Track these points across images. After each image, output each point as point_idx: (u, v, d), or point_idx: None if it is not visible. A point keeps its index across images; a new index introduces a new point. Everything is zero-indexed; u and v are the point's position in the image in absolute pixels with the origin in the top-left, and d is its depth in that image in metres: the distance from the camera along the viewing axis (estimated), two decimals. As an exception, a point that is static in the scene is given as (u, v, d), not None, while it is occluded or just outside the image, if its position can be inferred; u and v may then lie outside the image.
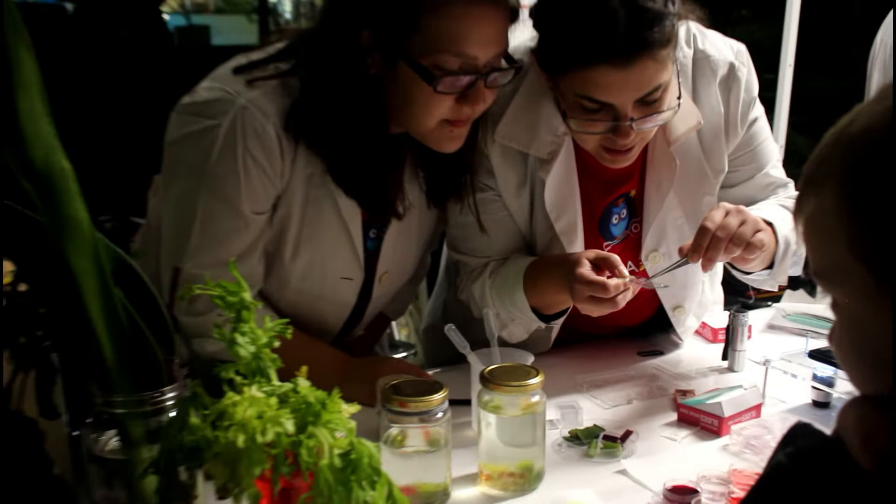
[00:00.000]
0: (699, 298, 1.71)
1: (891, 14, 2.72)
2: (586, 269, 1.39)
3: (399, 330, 3.22)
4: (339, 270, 1.50)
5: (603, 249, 1.56)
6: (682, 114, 1.45)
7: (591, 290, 1.38)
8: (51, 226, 0.86)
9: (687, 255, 1.39)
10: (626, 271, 1.41)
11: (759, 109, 1.61)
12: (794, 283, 2.60)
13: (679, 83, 1.43)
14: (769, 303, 2.08)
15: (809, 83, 3.80)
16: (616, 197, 1.58)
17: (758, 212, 1.46)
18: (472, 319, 1.55)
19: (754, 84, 1.58)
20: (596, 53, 1.30)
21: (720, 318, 1.74)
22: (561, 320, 1.61)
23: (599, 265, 1.41)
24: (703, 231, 1.37)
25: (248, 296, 0.94)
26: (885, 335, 0.69)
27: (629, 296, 1.40)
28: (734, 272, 1.61)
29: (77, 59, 4.50)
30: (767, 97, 1.77)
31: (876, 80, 2.74)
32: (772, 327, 1.84)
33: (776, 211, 1.54)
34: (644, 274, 1.59)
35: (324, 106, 1.36)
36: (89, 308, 0.91)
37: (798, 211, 0.75)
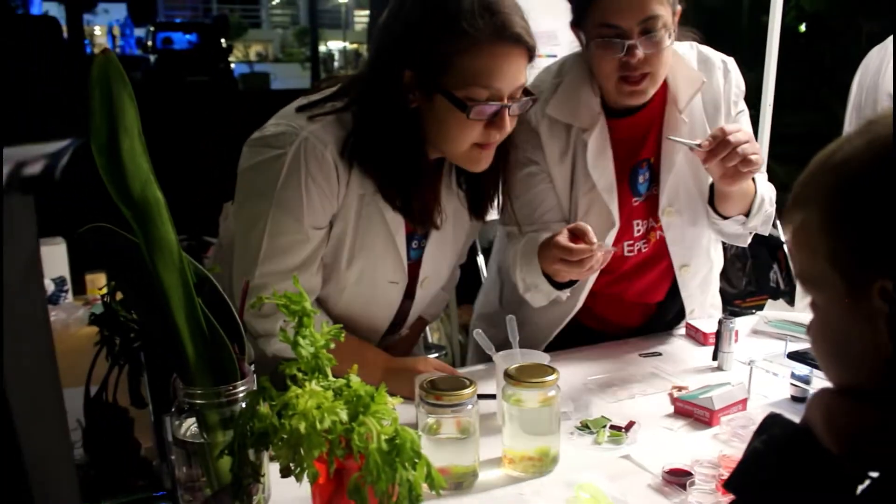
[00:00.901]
0: (702, 260, 1.77)
1: (865, 59, 2.69)
2: (562, 237, 1.43)
3: (431, 334, 3.23)
4: (387, 275, 1.52)
5: (632, 205, 1.66)
6: (686, 80, 1.60)
7: (561, 254, 1.41)
8: (145, 246, 0.88)
9: (700, 144, 1.49)
10: (594, 238, 1.42)
11: (745, 106, 1.71)
12: (774, 293, 2.58)
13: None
14: (753, 311, 2.07)
15: (788, 119, 3.79)
16: (640, 160, 1.65)
17: None
18: (500, 322, 1.56)
19: (742, 82, 1.70)
20: None
21: (711, 324, 1.73)
22: (579, 294, 1.67)
23: (576, 234, 1.44)
24: (717, 133, 1.47)
25: (308, 305, 0.95)
26: (854, 333, 0.70)
27: (598, 258, 1.42)
28: (716, 220, 1.66)
29: (158, 101, 4.57)
30: (751, 131, 1.81)
31: (854, 118, 2.72)
32: (756, 332, 1.83)
33: (760, 175, 1.64)
34: (660, 228, 1.68)
35: (373, 136, 1.39)
36: (175, 315, 0.93)
37: (786, 223, 0.76)
